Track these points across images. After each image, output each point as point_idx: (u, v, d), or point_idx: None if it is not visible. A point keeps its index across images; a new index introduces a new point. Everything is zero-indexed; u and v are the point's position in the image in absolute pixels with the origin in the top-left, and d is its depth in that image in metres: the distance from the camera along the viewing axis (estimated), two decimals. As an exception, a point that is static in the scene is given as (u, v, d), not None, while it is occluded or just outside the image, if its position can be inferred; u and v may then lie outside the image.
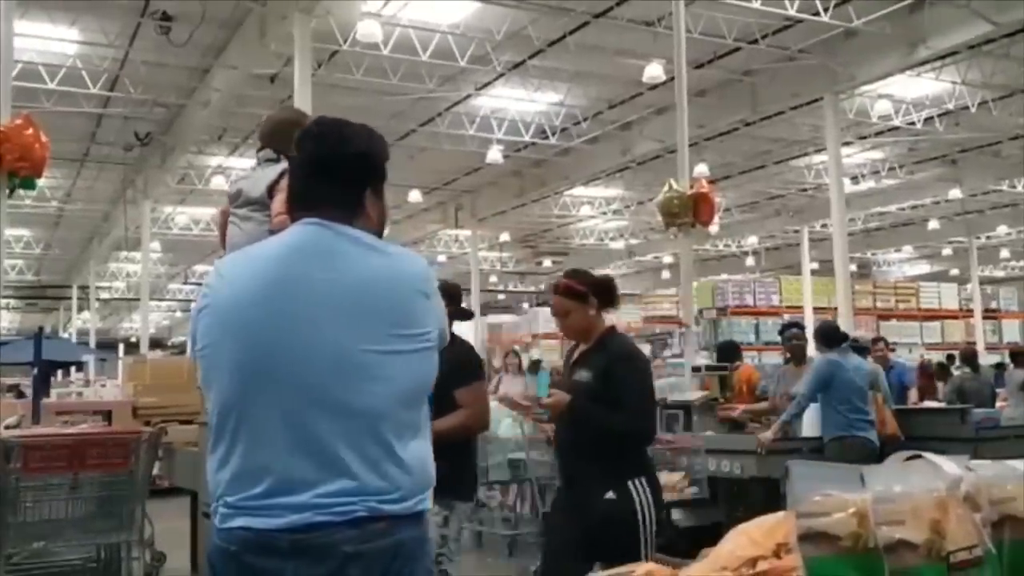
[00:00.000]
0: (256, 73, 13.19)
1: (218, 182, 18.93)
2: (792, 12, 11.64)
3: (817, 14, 11.72)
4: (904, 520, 1.06)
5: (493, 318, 26.90)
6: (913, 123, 16.22)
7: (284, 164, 2.11)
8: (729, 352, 8.40)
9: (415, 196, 20.61)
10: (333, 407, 1.82)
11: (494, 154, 17.20)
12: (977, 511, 1.09)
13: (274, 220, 1.97)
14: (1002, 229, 25.82)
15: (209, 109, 14.31)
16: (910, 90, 15.32)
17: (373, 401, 1.84)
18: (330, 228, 1.91)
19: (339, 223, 1.91)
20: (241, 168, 18.79)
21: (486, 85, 14.83)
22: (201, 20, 11.80)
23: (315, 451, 1.80)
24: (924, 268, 32.54)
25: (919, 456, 1.13)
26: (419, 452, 1.88)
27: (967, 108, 15.54)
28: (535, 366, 14.35)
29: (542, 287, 37.56)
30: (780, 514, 1.73)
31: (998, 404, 8.82)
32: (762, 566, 1.47)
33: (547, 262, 32.39)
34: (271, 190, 2.40)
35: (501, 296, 36.78)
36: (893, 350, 12.27)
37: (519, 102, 15.85)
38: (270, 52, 12.20)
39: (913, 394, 10.36)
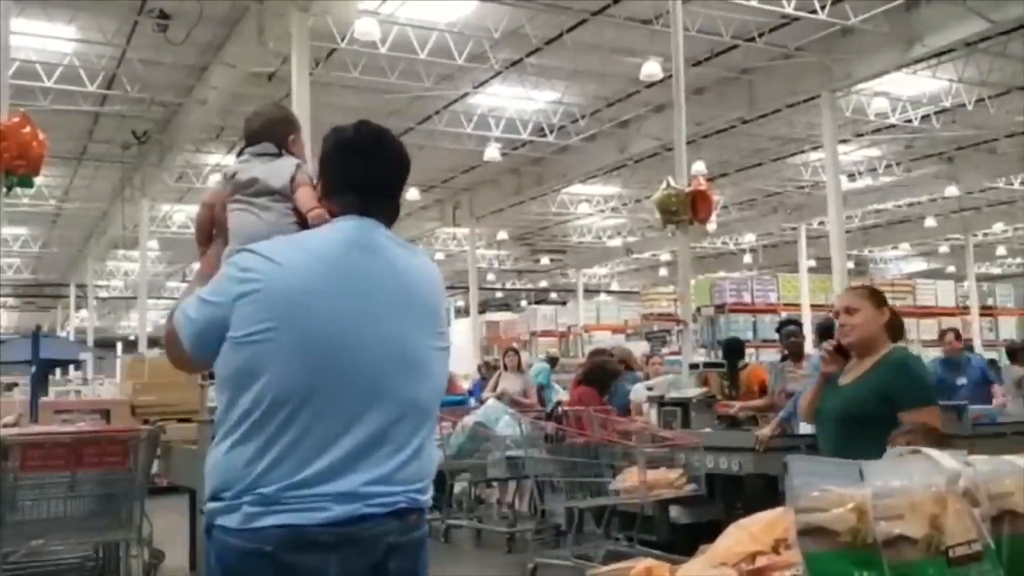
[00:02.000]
0: (254, 71, 13.17)
1: (216, 180, 18.90)
2: (789, 10, 11.65)
3: (814, 12, 11.73)
4: (903, 515, 1.07)
5: (491, 316, 26.96)
6: (910, 121, 16.24)
7: (293, 159, 2.17)
8: (734, 349, 8.40)
9: (413, 194, 20.59)
10: (392, 400, 1.87)
11: (492, 152, 17.19)
12: (976, 506, 1.10)
13: (311, 214, 2.04)
14: (998, 226, 25.86)
15: (207, 107, 14.29)
16: (907, 88, 15.34)
17: (425, 396, 1.95)
18: (377, 225, 1.99)
19: (384, 224, 2.01)
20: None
21: (484, 83, 14.83)
22: (198, 18, 11.78)
23: (367, 443, 1.82)
24: (921, 265, 32.58)
25: (918, 451, 1.13)
26: (434, 447, 2.02)
27: (964, 105, 15.56)
28: (554, 362, 14.37)
29: (540, 284, 37.59)
30: (778, 510, 1.74)
31: (995, 402, 8.80)
32: (761, 562, 1.48)
33: (545, 260, 32.39)
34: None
35: (499, 294, 36.79)
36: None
37: (517, 100, 15.85)
38: (268, 50, 12.19)
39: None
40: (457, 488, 8.49)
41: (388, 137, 2.09)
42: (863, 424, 3.16)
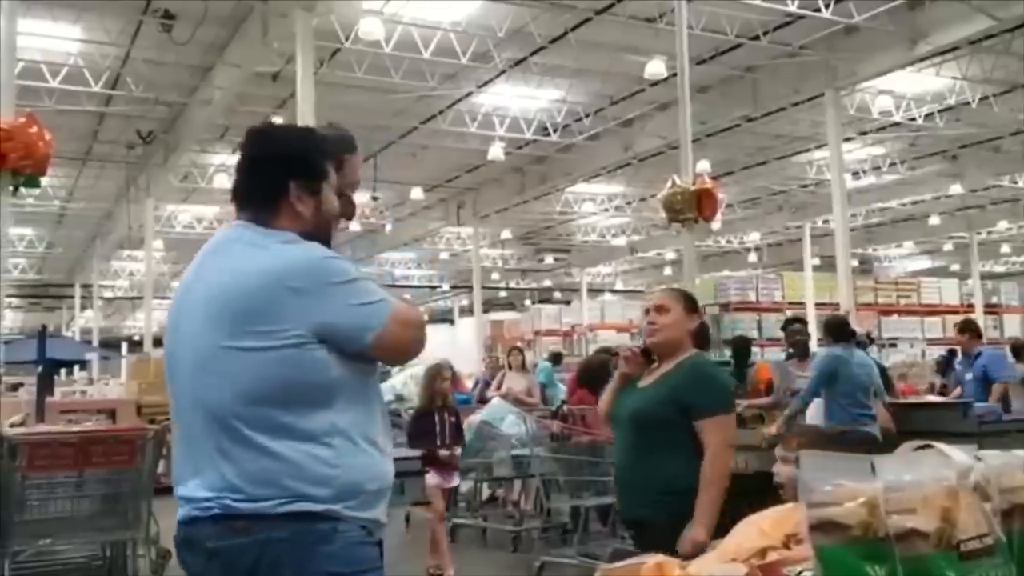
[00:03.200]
0: (258, 71, 13.20)
1: (220, 180, 18.93)
2: (793, 8, 11.64)
3: (818, 10, 11.72)
4: (915, 509, 1.07)
5: (495, 315, 26.98)
6: (914, 119, 16.22)
7: None
8: (741, 348, 8.39)
9: (417, 194, 20.61)
10: (199, 404, 1.94)
11: (496, 151, 17.19)
12: (987, 500, 1.10)
13: None
14: (1003, 224, 25.82)
15: (211, 107, 14.31)
16: (911, 86, 15.32)
17: (216, 399, 1.90)
18: (241, 228, 2.06)
19: (262, 223, 2.04)
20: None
21: (488, 82, 14.83)
22: (203, 18, 11.80)
23: (191, 449, 1.96)
24: (925, 263, 32.53)
25: (929, 446, 1.14)
26: (291, 453, 1.86)
27: (968, 103, 15.54)
28: (557, 358, 14.33)
29: (544, 284, 37.59)
30: (788, 506, 1.75)
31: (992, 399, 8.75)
32: (771, 557, 1.49)
33: (549, 259, 32.38)
34: None
35: (503, 293, 36.79)
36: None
37: (521, 99, 15.84)
38: (272, 50, 12.20)
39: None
40: (463, 487, 8.49)
41: (261, 131, 2.19)
42: (655, 428, 3.11)
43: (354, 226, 23.94)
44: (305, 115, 10.86)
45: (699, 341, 3.38)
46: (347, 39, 12.31)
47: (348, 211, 2.27)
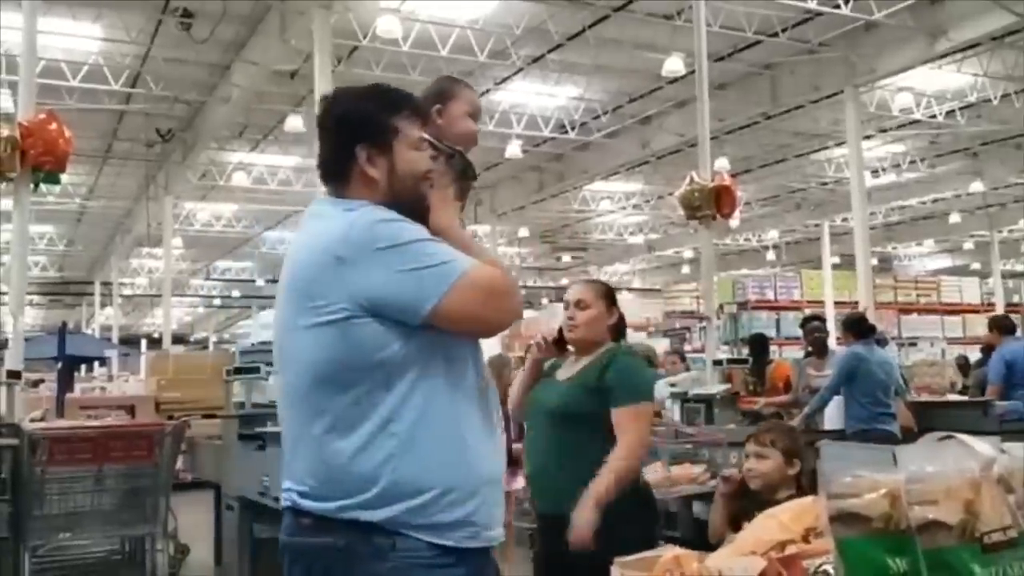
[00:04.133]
0: (276, 69, 13.24)
1: (239, 178, 19.03)
2: (812, 5, 11.57)
3: (837, 6, 11.65)
4: (937, 500, 1.06)
5: (512, 314, 26.89)
6: (934, 116, 16.08)
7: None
8: (759, 346, 8.34)
9: (434, 192, 20.62)
10: (283, 388, 1.85)
11: (513, 149, 17.18)
12: (1011, 493, 1.09)
13: None
14: (1024, 222, 25.59)
15: (230, 105, 14.38)
16: (931, 83, 15.19)
17: (293, 381, 1.78)
18: (318, 202, 1.93)
19: (339, 194, 1.88)
20: (264, 164, 19.02)
21: (505, 80, 14.83)
22: (222, 16, 11.87)
23: (284, 435, 1.87)
24: (945, 262, 32.25)
25: (952, 437, 1.12)
26: (345, 447, 1.70)
27: (989, 100, 15.40)
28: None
29: (561, 282, 37.53)
30: (807, 499, 1.73)
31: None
32: (790, 550, 1.48)
33: (566, 257, 32.34)
34: None
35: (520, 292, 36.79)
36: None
37: (538, 96, 15.83)
38: (290, 48, 12.24)
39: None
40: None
41: (330, 96, 1.98)
42: (578, 422, 3.05)
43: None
44: (323, 113, 10.89)
45: (616, 334, 3.33)
46: (365, 37, 12.34)
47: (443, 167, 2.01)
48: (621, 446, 2.95)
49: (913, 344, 19.15)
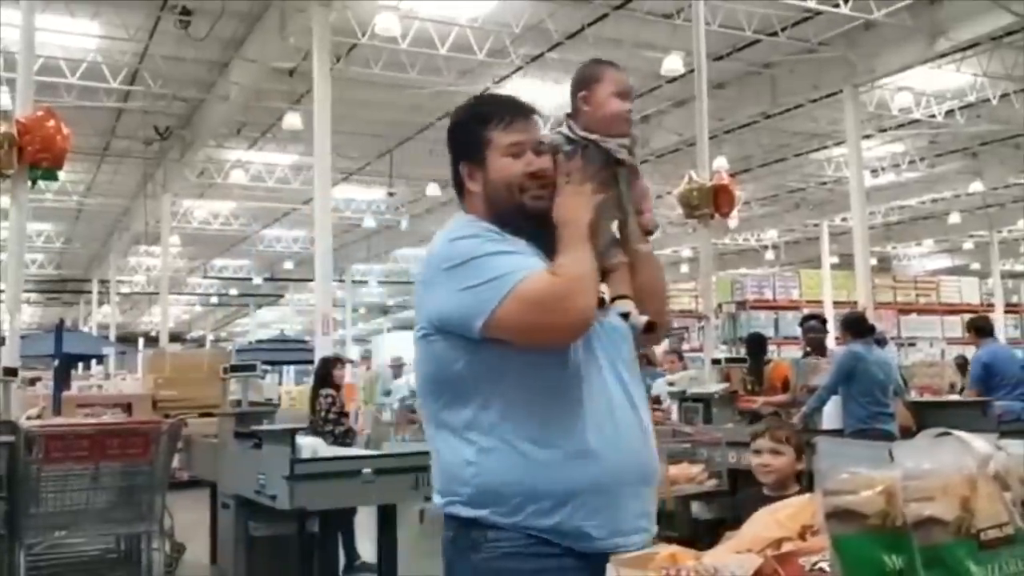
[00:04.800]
0: (275, 67, 13.23)
1: (237, 176, 19.02)
2: (812, 4, 11.57)
3: (837, 5, 11.65)
4: (934, 497, 1.05)
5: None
6: (933, 116, 16.08)
7: (563, 130, 2.02)
8: (757, 345, 8.33)
9: (433, 190, 20.60)
10: None
11: (512, 148, 17.15)
12: (1007, 490, 1.08)
13: None
14: (1023, 222, 25.57)
15: (228, 103, 14.37)
16: (930, 82, 15.18)
17: (419, 391, 1.95)
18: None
19: (462, 209, 1.98)
20: (262, 162, 19.02)
21: (504, 78, 14.80)
22: (220, 14, 11.86)
23: None
24: (945, 262, 32.25)
25: (948, 434, 1.11)
26: (443, 448, 1.82)
27: (988, 100, 15.39)
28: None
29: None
30: (805, 497, 1.72)
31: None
32: (787, 547, 1.46)
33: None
34: None
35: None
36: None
37: (538, 95, 15.80)
38: (289, 46, 12.24)
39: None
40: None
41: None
42: None
43: (369, 222, 24.10)
44: (321, 111, 10.89)
45: None
46: (364, 35, 12.32)
47: (530, 171, 1.89)
48: None
49: (912, 344, 19.15)
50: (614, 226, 2.01)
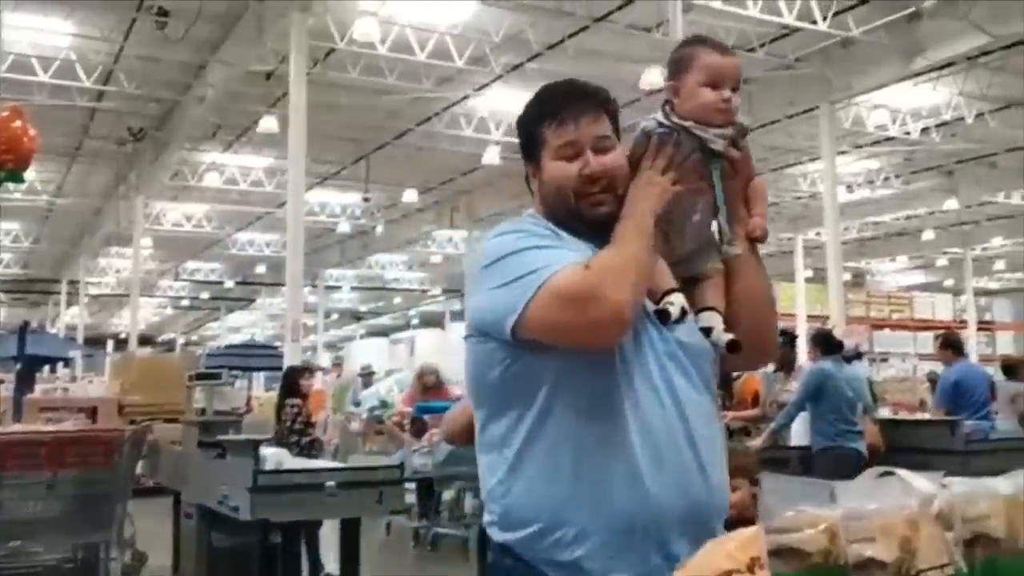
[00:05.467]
0: (252, 70, 13.15)
1: (211, 179, 18.90)
2: (790, 20, 11.62)
3: (815, 23, 11.72)
4: (874, 537, 1.02)
5: (486, 321, 26.85)
6: (909, 133, 16.23)
7: (657, 115, 1.79)
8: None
9: (410, 195, 20.57)
10: None
11: (491, 155, 17.16)
12: (949, 529, 1.05)
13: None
14: (997, 240, 25.87)
15: (204, 105, 14.26)
16: (907, 100, 15.32)
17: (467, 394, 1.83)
18: None
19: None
20: (237, 165, 18.90)
21: (484, 86, 14.80)
22: (197, 16, 11.76)
23: None
24: (918, 278, 32.54)
25: (892, 472, 1.09)
26: (482, 463, 1.71)
27: (963, 119, 15.55)
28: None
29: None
30: (754, 528, 1.69)
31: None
32: (733, 581, 1.43)
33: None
34: None
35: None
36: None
37: (518, 104, 15.69)
38: (266, 49, 12.18)
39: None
40: (446, 495, 8.43)
41: None
42: None
43: (343, 227, 23.98)
44: (296, 115, 10.83)
45: None
46: (342, 39, 12.27)
47: (584, 173, 1.71)
48: None
49: (884, 360, 19.31)
50: (715, 227, 1.78)
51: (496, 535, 1.65)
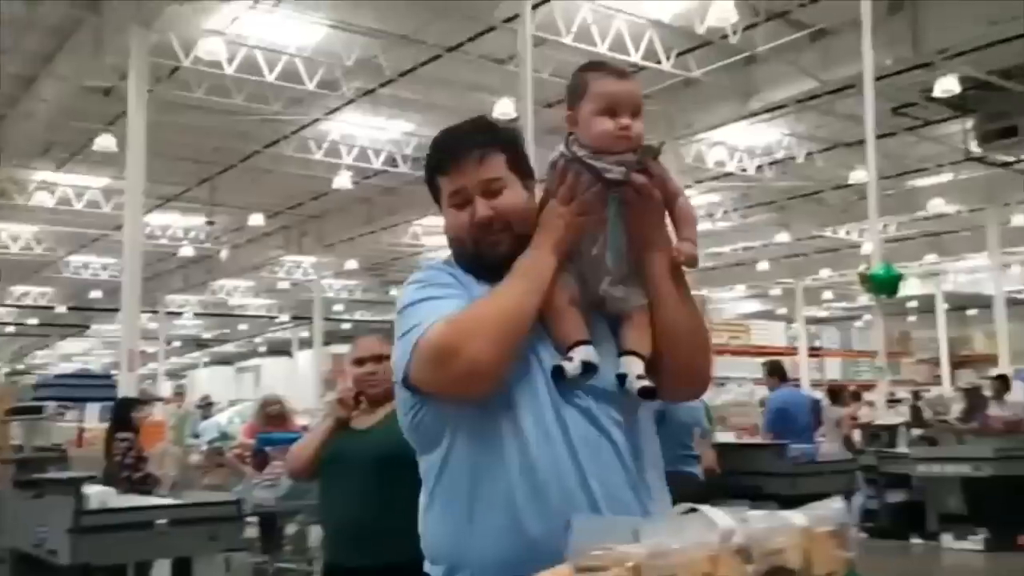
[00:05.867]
0: (88, 85, 12.53)
1: (41, 198, 17.89)
2: (636, 59, 12.04)
3: (659, 62, 12.17)
4: (676, 574, 1.04)
5: (337, 348, 26.42)
6: (745, 170, 17.08)
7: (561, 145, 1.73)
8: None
9: (257, 219, 20.01)
10: None
11: (342, 180, 16.96)
12: (749, 563, 1.08)
13: None
14: (825, 272, 27.48)
15: (34, 120, 13.46)
16: (743, 138, 16.14)
17: None
18: None
19: None
20: (70, 184, 17.91)
21: (335, 110, 14.62)
22: (28, 25, 11.12)
23: None
24: (755, 307, 34.19)
25: (695, 509, 1.11)
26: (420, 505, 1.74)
27: (794, 158, 16.52)
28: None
29: (390, 316, 37.07)
30: (567, 566, 1.70)
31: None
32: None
33: (395, 291, 32.06)
34: None
35: (346, 326, 36.12)
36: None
37: (370, 129, 15.70)
38: (105, 64, 11.62)
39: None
40: (290, 530, 8.17)
41: None
42: (407, 466, 3.09)
43: (186, 251, 23.11)
44: (135, 134, 10.39)
45: None
46: (187, 57, 11.87)
47: (474, 222, 1.68)
48: None
49: (722, 384, 20.09)
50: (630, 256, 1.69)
51: (426, 567, 1.69)
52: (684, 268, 1.69)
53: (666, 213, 1.70)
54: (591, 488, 1.55)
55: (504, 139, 1.77)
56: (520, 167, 1.75)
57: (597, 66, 1.78)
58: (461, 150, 1.71)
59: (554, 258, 1.62)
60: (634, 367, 1.61)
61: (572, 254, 1.63)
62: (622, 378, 1.61)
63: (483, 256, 1.68)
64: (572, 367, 1.56)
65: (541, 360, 1.60)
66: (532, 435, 1.56)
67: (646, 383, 1.61)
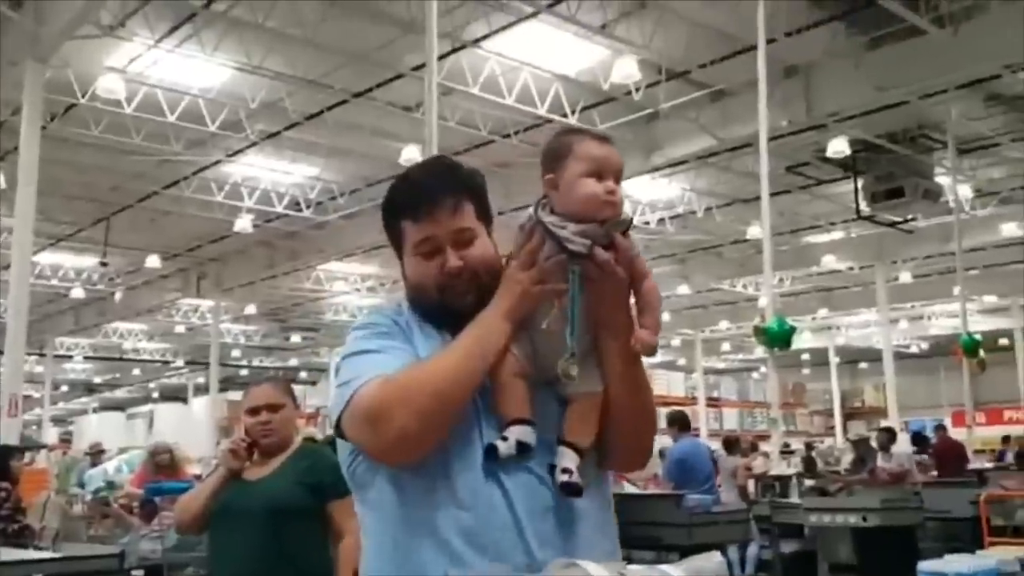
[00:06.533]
0: (-24, 119, 12.06)
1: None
2: (542, 112, 12.25)
3: (565, 115, 12.42)
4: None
5: (233, 395, 25.73)
6: (648, 223, 17.47)
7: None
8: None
9: (153, 261, 19.46)
10: None
11: (243, 223, 16.66)
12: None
13: None
14: (723, 324, 28.21)
15: (-85, 153, 12.87)
16: (646, 192, 16.53)
17: None
18: None
19: None
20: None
21: (238, 152, 14.40)
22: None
23: None
24: (657, 357, 34.75)
25: (575, 564, 1.11)
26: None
27: (694, 212, 16.99)
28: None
29: (290, 363, 36.42)
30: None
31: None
32: None
33: (296, 337, 31.52)
34: None
35: (244, 372, 35.23)
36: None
37: (273, 172, 15.51)
38: (-5, 98, 11.21)
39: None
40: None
41: None
42: (297, 517, 3.05)
43: (77, 293, 22.26)
44: (26, 171, 10.03)
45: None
46: (84, 95, 11.56)
47: (444, 272, 1.63)
48: (353, 536, 2.83)
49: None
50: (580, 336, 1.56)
51: None
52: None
53: (631, 293, 1.59)
54: (528, 544, 1.47)
55: (473, 187, 1.72)
56: (486, 215, 1.72)
57: (577, 130, 1.74)
58: (436, 196, 1.65)
59: (508, 324, 1.55)
60: (565, 460, 1.52)
61: (528, 323, 1.55)
62: (551, 468, 1.52)
63: (448, 306, 1.62)
64: (505, 448, 1.49)
65: (482, 427, 1.54)
66: (463, 490, 1.50)
67: (569, 479, 1.50)
